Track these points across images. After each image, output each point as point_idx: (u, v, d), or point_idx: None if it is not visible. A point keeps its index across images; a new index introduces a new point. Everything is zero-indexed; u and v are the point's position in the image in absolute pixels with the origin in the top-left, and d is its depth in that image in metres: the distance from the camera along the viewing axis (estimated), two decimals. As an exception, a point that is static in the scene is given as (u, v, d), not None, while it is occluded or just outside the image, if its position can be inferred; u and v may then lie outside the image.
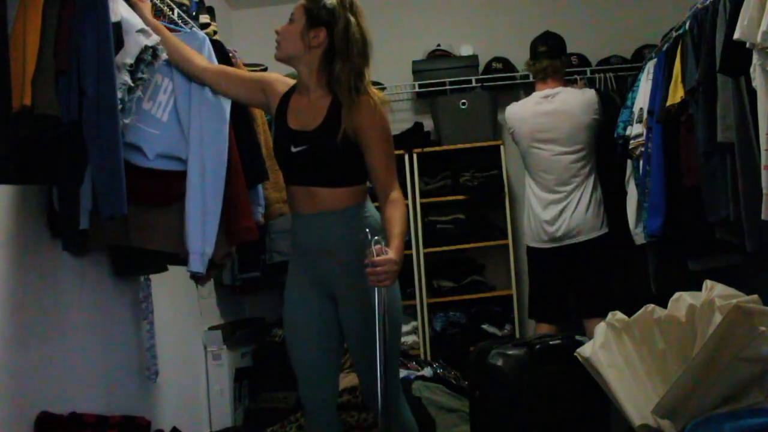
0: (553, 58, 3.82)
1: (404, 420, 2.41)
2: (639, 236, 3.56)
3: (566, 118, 3.72)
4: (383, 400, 2.17)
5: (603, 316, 2.70)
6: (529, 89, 4.30)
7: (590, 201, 3.69)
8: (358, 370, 2.45)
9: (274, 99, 2.40)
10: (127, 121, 2.17)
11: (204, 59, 2.51)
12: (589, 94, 3.83)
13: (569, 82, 4.22)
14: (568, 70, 4.26)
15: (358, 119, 2.23)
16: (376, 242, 2.08)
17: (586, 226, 3.67)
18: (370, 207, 2.36)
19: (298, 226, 2.36)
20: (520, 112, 3.87)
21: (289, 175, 2.35)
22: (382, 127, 2.28)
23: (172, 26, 2.60)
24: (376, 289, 2.12)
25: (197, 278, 2.61)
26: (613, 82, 4.39)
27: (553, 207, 3.69)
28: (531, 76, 4.00)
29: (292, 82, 2.42)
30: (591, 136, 3.74)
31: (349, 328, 2.34)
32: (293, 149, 2.27)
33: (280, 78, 2.47)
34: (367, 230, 2.16)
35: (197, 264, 2.42)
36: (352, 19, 2.23)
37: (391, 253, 2.06)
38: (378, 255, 2.04)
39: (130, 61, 2.14)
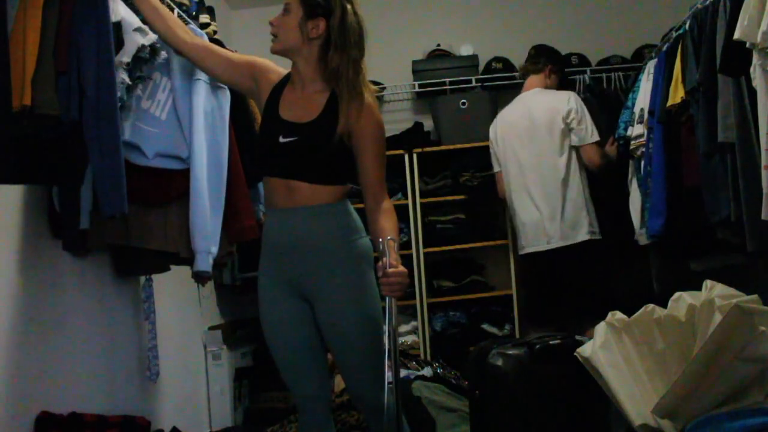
0: (528, 62, 3.94)
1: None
2: (643, 237, 3.54)
3: (532, 119, 3.75)
4: (393, 411, 2.08)
5: (603, 317, 2.69)
6: (528, 89, 4.30)
7: (575, 203, 3.68)
8: (343, 372, 2.32)
9: (265, 87, 2.29)
10: (126, 120, 2.17)
11: (190, 33, 2.40)
12: (561, 96, 3.80)
13: (570, 83, 4.22)
14: (567, 70, 4.26)
15: (356, 121, 2.16)
16: (379, 252, 2.07)
17: (575, 228, 3.67)
18: (351, 207, 2.27)
19: (272, 222, 2.25)
20: (496, 120, 3.98)
21: (271, 166, 2.23)
22: (379, 132, 2.22)
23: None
24: (387, 299, 2.05)
25: (200, 278, 2.61)
26: (622, 81, 4.38)
27: (543, 208, 3.70)
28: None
29: (284, 71, 2.32)
30: (563, 137, 3.70)
31: (329, 329, 2.22)
32: (282, 139, 2.17)
33: (273, 67, 2.35)
34: (380, 240, 2.10)
35: (204, 263, 2.41)
36: (348, 7, 2.17)
37: (401, 266, 2.04)
38: (385, 266, 2.02)
39: (127, 59, 2.14)
